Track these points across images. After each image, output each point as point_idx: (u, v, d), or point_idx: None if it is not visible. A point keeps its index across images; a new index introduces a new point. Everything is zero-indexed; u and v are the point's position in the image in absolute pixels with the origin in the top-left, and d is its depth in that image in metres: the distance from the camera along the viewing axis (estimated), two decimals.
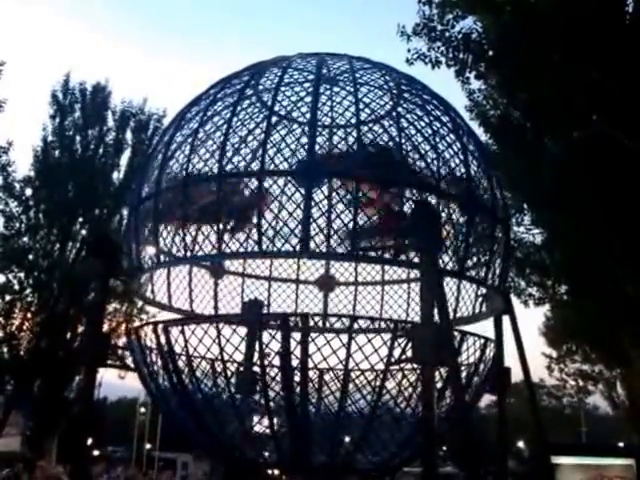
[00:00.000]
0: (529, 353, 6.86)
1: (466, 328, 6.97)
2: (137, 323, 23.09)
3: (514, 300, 12.99)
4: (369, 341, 5.15)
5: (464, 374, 5.77)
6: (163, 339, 5.54)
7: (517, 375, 7.14)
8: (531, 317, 52.49)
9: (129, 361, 6.38)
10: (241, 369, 5.73)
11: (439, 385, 5.57)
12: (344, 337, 5.12)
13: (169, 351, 5.53)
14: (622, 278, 10.83)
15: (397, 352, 5.23)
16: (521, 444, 30.48)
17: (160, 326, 5.63)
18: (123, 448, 40.29)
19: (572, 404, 39.08)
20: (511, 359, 6.62)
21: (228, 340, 5.26)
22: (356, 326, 5.09)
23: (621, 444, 27.72)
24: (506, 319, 6.72)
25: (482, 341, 6.00)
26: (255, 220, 5.65)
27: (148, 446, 38.25)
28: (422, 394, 5.41)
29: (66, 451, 21.04)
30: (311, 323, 5.04)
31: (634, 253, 10.46)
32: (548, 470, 8.17)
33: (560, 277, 14.67)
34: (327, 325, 5.06)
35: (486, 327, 6.87)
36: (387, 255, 6.64)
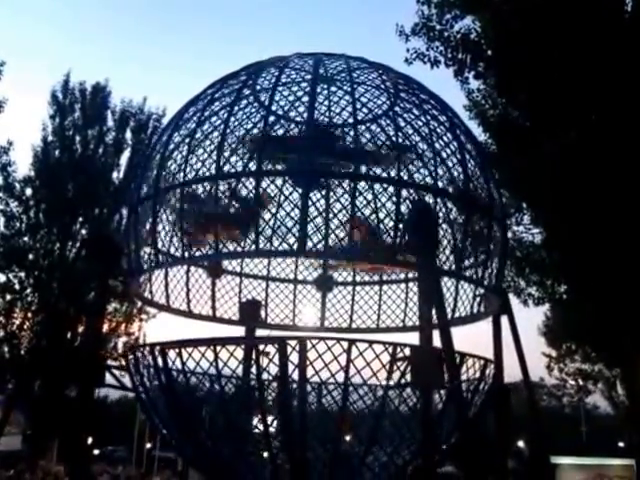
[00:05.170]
0: (529, 353, 6.85)
1: (465, 328, 7.00)
2: (136, 323, 23.09)
3: (513, 300, 13.03)
4: (367, 364, 5.11)
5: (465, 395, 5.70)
6: (160, 361, 5.48)
7: (516, 375, 7.14)
8: (531, 317, 52.42)
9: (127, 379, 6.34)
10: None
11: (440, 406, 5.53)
12: (342, 359, 5.06)
13: (166, 374, 5.47)
14: (620, 275, 10.84)
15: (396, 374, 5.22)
16: (521, 444, 30.41)
17: (157, 348, 5.56)
18: (123, 447, 40.27)
19: (572, 404, 39.00)
20: (510, 358, 6.64)
21: (225, 363, 5.21)
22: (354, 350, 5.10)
23: (621, 444, 27.72)
24: (504, 319, 6.72)
25: (482, 362, 5.93)
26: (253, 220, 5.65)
27: (148, 445, 38.28)
28: (423, 416, 5.39)
29: (66, 450, 21.08)
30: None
31: (630, 249, 10.48)
32: (548, 470, 8.14)
33: (559, 276, 14.65)
34: (324, 346, 5.06)
35: (484, 327, 6.88)
36: (385, 255, 6.64)
